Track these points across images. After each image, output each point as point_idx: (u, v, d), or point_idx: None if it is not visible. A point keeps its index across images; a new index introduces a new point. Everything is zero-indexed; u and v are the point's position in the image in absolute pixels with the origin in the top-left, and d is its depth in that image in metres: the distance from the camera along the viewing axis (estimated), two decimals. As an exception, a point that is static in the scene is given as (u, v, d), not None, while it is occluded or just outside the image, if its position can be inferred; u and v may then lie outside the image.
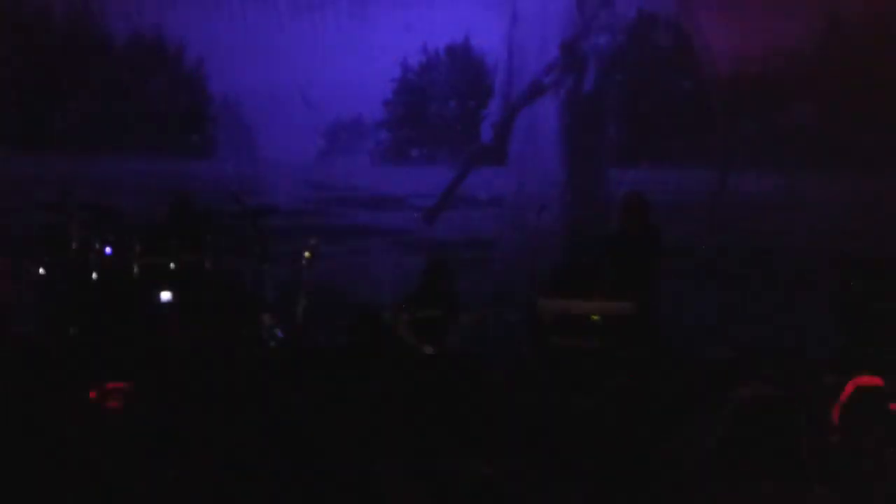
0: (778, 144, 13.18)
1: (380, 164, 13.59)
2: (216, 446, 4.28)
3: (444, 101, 13.57)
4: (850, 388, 5.67)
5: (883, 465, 5.03)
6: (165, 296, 10.76)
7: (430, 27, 13.33)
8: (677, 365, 9.49)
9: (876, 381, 7.04)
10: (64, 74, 13.60)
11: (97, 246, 10.88)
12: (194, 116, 13.72)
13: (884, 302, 11.43)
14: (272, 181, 13.25)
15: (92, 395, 4.99)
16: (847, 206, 12.85)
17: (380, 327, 10.52)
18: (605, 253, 11.32)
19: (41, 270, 10.87)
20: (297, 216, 13.01)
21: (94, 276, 10.74)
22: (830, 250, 12.53)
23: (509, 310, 11.18)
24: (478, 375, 7.14)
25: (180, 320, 10.61)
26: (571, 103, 13.15)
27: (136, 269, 10.80)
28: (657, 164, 13.24)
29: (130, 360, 5.82)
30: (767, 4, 13.07)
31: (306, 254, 11.04)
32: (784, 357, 8.89)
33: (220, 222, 11.30)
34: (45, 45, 13.75)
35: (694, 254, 12.58)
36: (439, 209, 13.33)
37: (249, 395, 5.04)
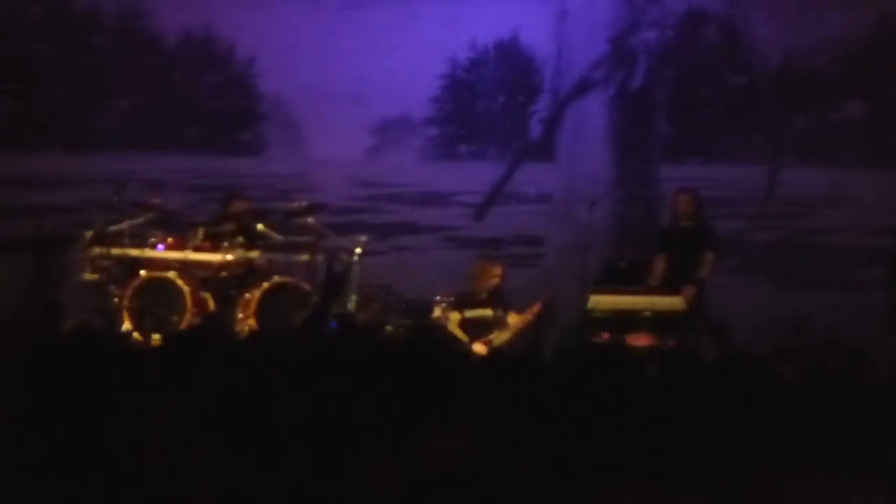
0: (828, 140, 13.10)
1: (428, 160, 13.59)
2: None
3: (492, 98, 13.56)
4: None
5: None
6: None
7: (478, 23, 13.31)
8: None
9: None
10: (114, 73, 13.68)
11: (150, 242, 10.94)
12: (244, 115, 13.78)
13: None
14: (321, 178, 13.28)
15: None
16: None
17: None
18: (656, 249, 11.28)
19: (93, 268, 10.93)
20: (346, 213, 13.02)
21: (143, 273, 10.80)
22: (880, 246, 12.44)
23: (559, 307, 11.14)
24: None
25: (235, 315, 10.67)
26: (620, 99, 13.09)
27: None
28: (707, 160, 13.18)
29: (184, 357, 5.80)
30: (818, -1, 12.99)
31: (357, 250, 11.05)
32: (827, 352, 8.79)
33: (272, 219, 11.32)
34: (96, 44, 13.84)
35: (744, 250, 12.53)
36: (488, 205, 13.30)
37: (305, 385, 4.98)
